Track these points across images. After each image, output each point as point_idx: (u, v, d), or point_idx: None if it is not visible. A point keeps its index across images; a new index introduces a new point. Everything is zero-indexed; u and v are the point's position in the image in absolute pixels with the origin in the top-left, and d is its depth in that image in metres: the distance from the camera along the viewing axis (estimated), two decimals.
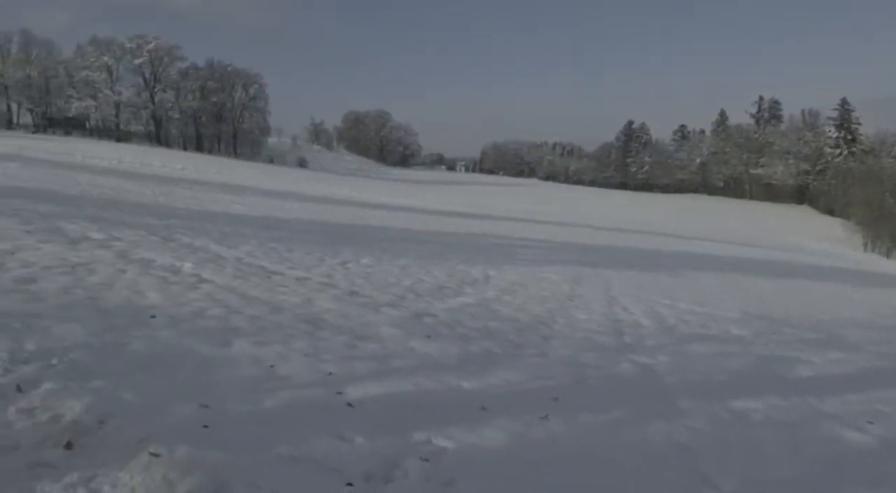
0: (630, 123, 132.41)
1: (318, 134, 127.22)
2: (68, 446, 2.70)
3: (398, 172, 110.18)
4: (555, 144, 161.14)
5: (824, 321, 9.79)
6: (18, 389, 3.16)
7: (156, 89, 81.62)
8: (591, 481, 3.16)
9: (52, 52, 78.17)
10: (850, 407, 5.07)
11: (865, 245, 58.33)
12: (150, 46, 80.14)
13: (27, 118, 78.39)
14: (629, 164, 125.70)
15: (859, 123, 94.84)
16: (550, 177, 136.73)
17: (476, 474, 3.01)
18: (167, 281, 6.21)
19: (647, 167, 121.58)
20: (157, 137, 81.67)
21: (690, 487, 3.26)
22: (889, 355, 7.78)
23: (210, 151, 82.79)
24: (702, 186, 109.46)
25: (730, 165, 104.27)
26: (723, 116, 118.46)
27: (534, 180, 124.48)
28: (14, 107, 76.84)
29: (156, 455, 2.58)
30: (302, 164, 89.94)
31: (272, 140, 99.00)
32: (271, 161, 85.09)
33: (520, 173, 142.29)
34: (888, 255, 54.72)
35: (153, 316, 4.87)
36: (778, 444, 4.05)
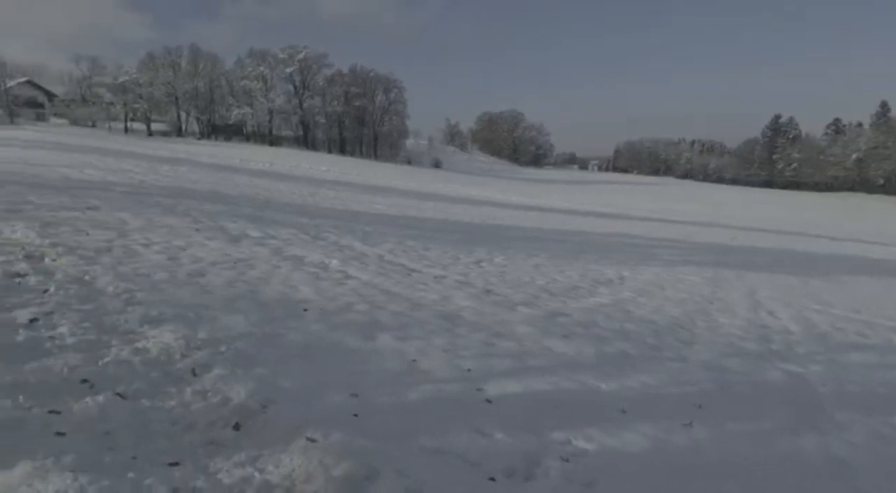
0: (777, 117, 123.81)
1: (452, 135, 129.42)
2: (236, 427, 2.98)
3: (530, 171, 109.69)
4: (693, 142, 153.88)
5: None
6: (193, 373, 3.52)
7: (304, 96, 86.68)
8: (738, 492, 3.04)
9: (216, 65, 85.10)
10: None
11: None
12: (301, 56, 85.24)
13: (193, 126, 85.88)
14: (775, 160, 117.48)
15: None
16: (688, 175, 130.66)
17: (617, 477, 2.99)
18: (317, 277, 6.62)
19: (795, 164, 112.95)
20: (305, 140, 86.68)
21: None
22: None
23: (352, 154, 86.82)
24: (858, 183, 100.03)
25: (892, 160, 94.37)
26: (884, 107, 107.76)
27: (668, 178, 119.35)
28: (183, 115, 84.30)
29: (312, 441, 2.79)
30: (437, 165, 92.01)
31: (409, 142, 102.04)
32: (408, 162, 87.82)
33: (655, 172, 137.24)
34: None
35: (306, 309, 5.23)
36: None
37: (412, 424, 3.23)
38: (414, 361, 4.29)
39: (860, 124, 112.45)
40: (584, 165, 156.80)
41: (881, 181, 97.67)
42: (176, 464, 2.59)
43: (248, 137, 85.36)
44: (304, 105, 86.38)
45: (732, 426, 3.87)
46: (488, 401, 3.72)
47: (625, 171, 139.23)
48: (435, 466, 2.79)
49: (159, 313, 4.46)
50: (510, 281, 8.13)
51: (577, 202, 41.67)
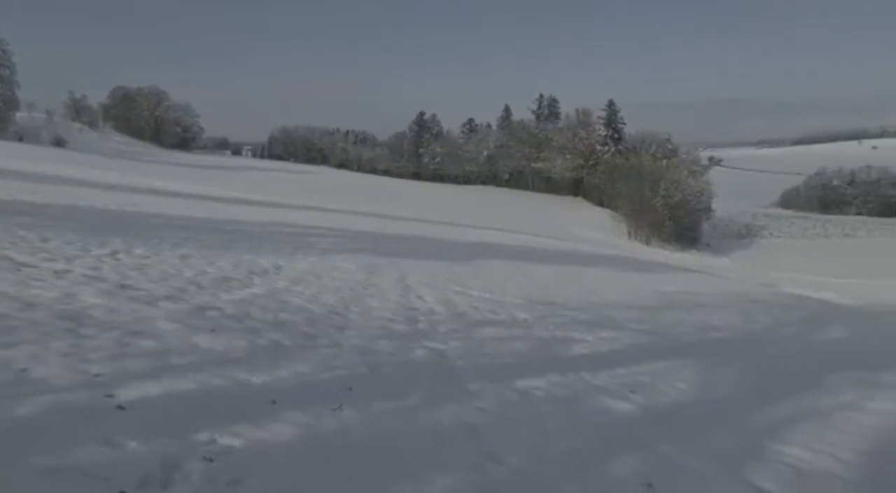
0: (422, 113, 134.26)
1: (78, 110, 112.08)
2: None
3: (177, 155, 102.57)
4: (347, 132, 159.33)
5: (596, 303, 10.72)
6: None
7: None
8: (384, 467, 3.15)
9: None
10: (617, 380, 5.62)
11: (629, 234, 65.69)
12: None
13: None
14: (421, 154, 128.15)
15: (624, 123, 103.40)
16: (343, 165, 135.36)
17: (265, 470, 2.86)
18: None
19: (438, 158, 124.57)
20: None
21: (477, 465, 3.37)
22: (650, 332, 8.70)
23: None
24: (489, 177, 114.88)
25: (514, 158, 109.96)
26: (507, 111, 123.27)
27: (325, 168, 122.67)
28: None
29: None
30: (59, 143, 79.89)
31: (21, 115, 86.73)
32: (20, 139, 74.77)
33: (311, 160, 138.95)
34: (647, 242, 62.44)
35: None
36: (557, 419, 4.35)
37: (22, 443, 2.70)
38: (24, 370, 3.58)
39: (489, 125, 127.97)
40: (237, 150, 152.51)
41: (507, 176, 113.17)
42: None
43: None
44: None
45: (380, 404, 4.01)
46: (121, 407, 3.28)
47: (281, 158, 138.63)
48: (50, 487, 2.36)
49: None
50: (152, 274, 7.36)
51: (230, 189, 40.18)
